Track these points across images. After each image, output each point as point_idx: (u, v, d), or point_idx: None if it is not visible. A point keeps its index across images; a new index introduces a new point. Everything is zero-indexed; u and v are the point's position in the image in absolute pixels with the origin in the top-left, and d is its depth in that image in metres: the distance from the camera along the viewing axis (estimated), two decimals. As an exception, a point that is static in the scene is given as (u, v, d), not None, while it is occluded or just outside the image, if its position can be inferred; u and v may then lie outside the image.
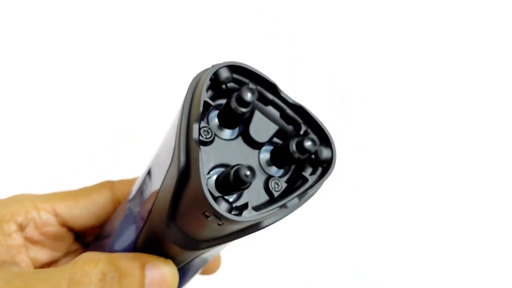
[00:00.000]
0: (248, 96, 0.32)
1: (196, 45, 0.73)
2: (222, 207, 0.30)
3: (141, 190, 0.39)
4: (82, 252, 0.48)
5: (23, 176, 0.63)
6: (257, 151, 0.34)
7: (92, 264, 0.34)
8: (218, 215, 0.30)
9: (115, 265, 0.35)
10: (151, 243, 0.37)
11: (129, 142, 0.65)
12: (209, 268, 0.50)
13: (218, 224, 0.31)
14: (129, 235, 0.39)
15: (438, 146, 0.74)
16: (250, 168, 0.30)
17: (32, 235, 0.44)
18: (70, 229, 0.45)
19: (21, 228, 0.43)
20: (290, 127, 0.35)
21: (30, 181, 0.62)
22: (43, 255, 0.45)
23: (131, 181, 0.45)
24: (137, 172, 0.44)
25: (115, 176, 0.47)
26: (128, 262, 0.35)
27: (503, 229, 0.71)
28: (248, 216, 0.31)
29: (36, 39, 0.70)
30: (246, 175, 0.30)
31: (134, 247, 0.39)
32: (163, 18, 0.74)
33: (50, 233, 0.44)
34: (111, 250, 0.41)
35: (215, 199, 0.31)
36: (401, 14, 0.78)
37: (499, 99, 0.76)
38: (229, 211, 0.31)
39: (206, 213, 0.31)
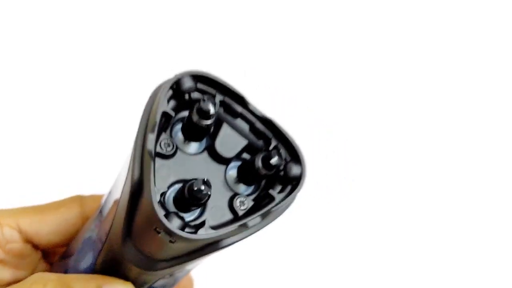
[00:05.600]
0: (209, 108, 0.30)
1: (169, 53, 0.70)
2: (173, 224, 0.28)
3: (102, 208, 0.37)
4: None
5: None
6: (224, 166, 0.32)
7: (40, 285, 0.32)
8: (168, 231, 0.28)
9: (66, 286, 0.33)
10: (109, 264, 0.35)
11: (102, 153, 0.63)
12: None
13: (171, 242, 0.29)
14: (89, 255, 0.37)
15: (436, 144, 0.71)
16: (205, 182, 0.29)
17: None
18: (36, 247, 0.43)
19: None
20: (260, 142, 0.33)
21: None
22: (6, 274, 0.42)
23: (102, 197, 0.42)
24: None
25: (87, 190, 0.44)
26: (82, 284, 0.33)
27: (503, 229, 0.69)
28: (202, 234, 0.29)
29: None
30: (200, 190, 0.28)
31: (93, 268, 0.36)
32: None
33: (14, 250, 0.41)
34: (72, 271, 0.39)
35: (167, 214, 0.29)
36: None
37: (499, 98, 0.74)
38: (182, 228, 0.29)
39: (157, 229, 0.29)
